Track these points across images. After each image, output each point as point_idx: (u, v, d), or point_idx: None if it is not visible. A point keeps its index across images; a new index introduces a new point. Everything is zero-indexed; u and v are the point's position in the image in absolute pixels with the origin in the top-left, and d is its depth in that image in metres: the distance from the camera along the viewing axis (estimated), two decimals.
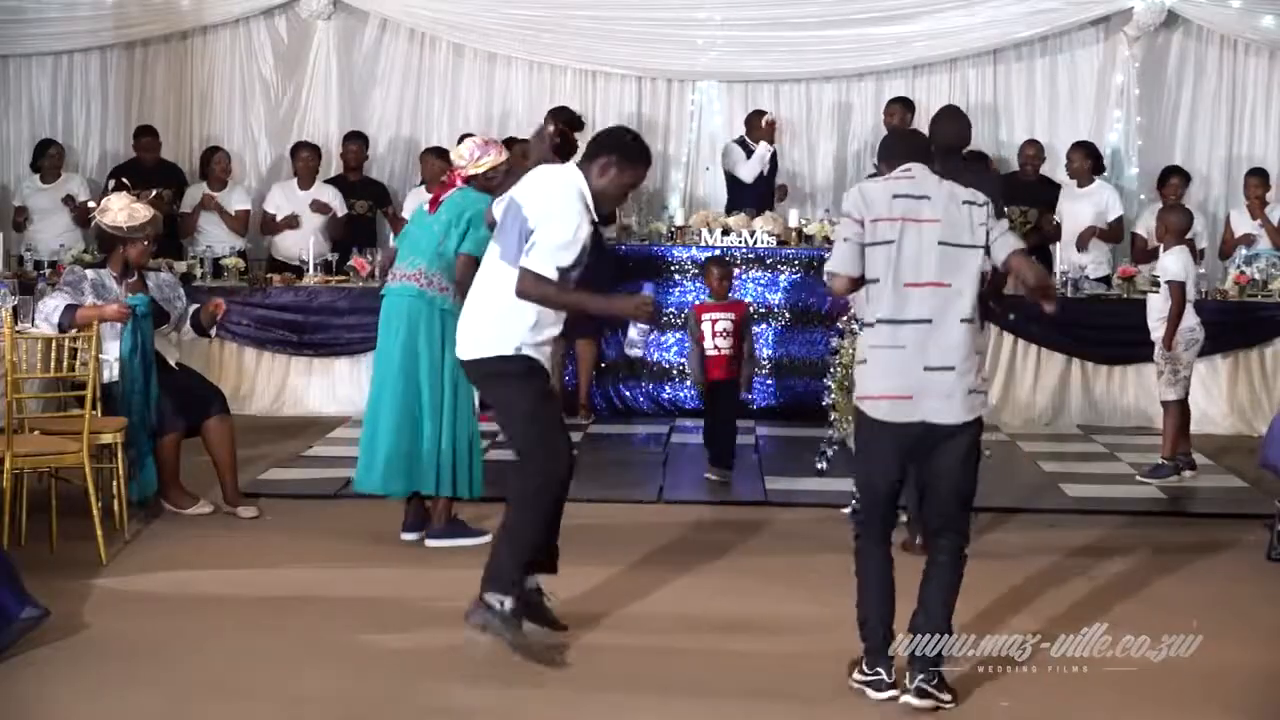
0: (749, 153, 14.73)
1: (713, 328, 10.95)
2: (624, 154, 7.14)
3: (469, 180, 9.04)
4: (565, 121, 12.56)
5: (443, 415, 9.01)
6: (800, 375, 13.28)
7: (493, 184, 8.98)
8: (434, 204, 9.18)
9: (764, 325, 13.29)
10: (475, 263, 8.68)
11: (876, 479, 6.69)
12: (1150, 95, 15.77)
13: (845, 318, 9.98)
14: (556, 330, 7.20)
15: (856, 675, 6.70)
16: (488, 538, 8.84)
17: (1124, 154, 15.70)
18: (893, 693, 6.56)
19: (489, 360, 7.10)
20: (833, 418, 10.18)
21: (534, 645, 7.06)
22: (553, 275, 6.88)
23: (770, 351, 13.31)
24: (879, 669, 6.60)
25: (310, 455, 11.84)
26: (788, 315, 13.37)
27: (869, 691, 6.61)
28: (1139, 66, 15.67)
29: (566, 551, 7.49)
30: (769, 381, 13.37)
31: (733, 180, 14.88)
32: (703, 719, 6.47)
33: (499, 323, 7.07)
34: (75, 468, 8.74)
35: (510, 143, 13.68)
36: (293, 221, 14.63)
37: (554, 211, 6.96)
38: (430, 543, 9.24)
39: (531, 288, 6.90)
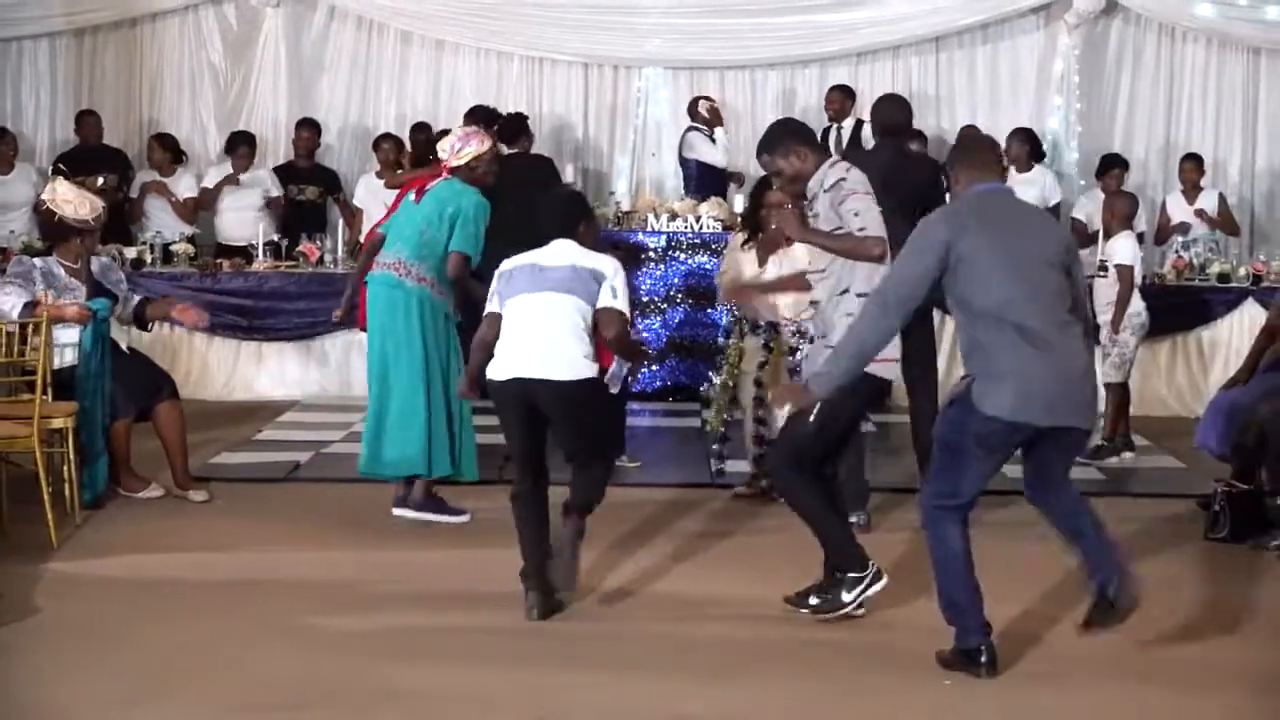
0: (710, 139, 14.76)
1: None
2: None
3: (454, 171, 9.04)
4: (485, 120, 12.50)
5: (425, 399, 9.08)
6: None
7: (477, 174, 9.04)
8: (419, 193, 9.18)
9: (713, 310, 13.28)
10: (467, 260, 8.78)
11: (845, 427, 7.47)
12: (1090, 82, 15.85)
13: (733, 315, 10.13)
14: None
15: (848, 596, 7.31)
16: (465, 518, 8.90)
17: (1064, 140, 15.77)
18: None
19: (590, 381, 7.40)
20: (710, 415, 10.12)
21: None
22: None
23: (719, 337, 13.32)
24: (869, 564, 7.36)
25: (260, 439, 11.80)
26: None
27: (872, 589, 7.32)
28: (1079, 54, 15.75)
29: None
30: None
31: (698, 166, 14.84)
32: (662, 698, 6.46)
33: (584, 350, 7.38)
34: (26, 452, 8.71)
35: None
36: (230, 180, 14.49)
37: (614, 263, 7.57)
38: (396, 511, 9.32)
39: (625, 328, 7.48)
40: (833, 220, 7.31)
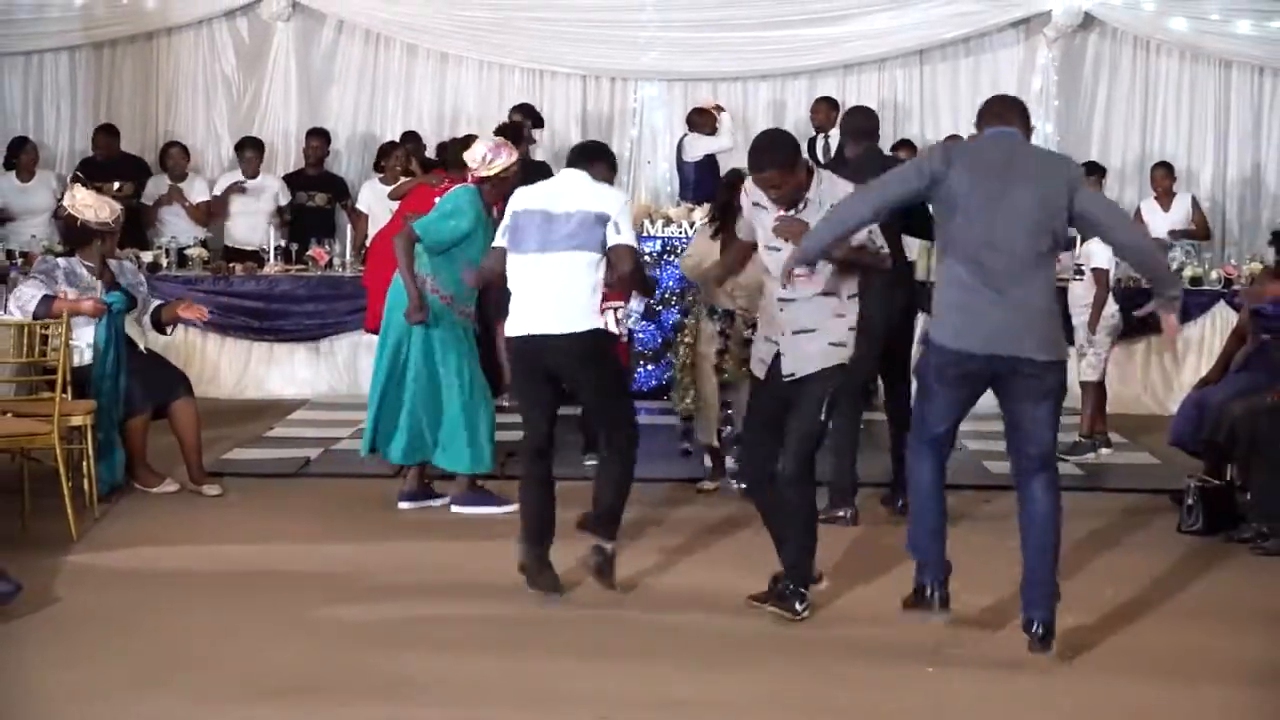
0: (708, 133, 14.78)
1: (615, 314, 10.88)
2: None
3: (482, 181, 9.02)
4: (531, 117, 12.66)
5: (397, 391, 9.21)
6: None
7: (506, 185, 9.03)
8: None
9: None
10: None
11: None
12: (1068, 94, 15.91)
13: (691, 297, 10.17)
14: None
15: (800, 606, 7.21)
16: (512, 507, 8.93)
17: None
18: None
19: (597, 332, 7.50)
20: (687, 400, 10.16)
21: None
22: None
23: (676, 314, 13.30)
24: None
25: (271, 436, 11.81)
26: None
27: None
28: (1057, 66, 15.82)
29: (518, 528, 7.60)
30: None
31: (695, 170, 14.82)
32: (655, 685, 6.45)
33: (591, 302, 7.49)
34: (46, 449, 8.71)
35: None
36: (237, 187, 14.60)
37: (619, 197, 7.66)
38: (454, 509, 9.39)
39: (635, 261, 7.55)
40: None
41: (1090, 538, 8.87)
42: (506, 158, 9.03)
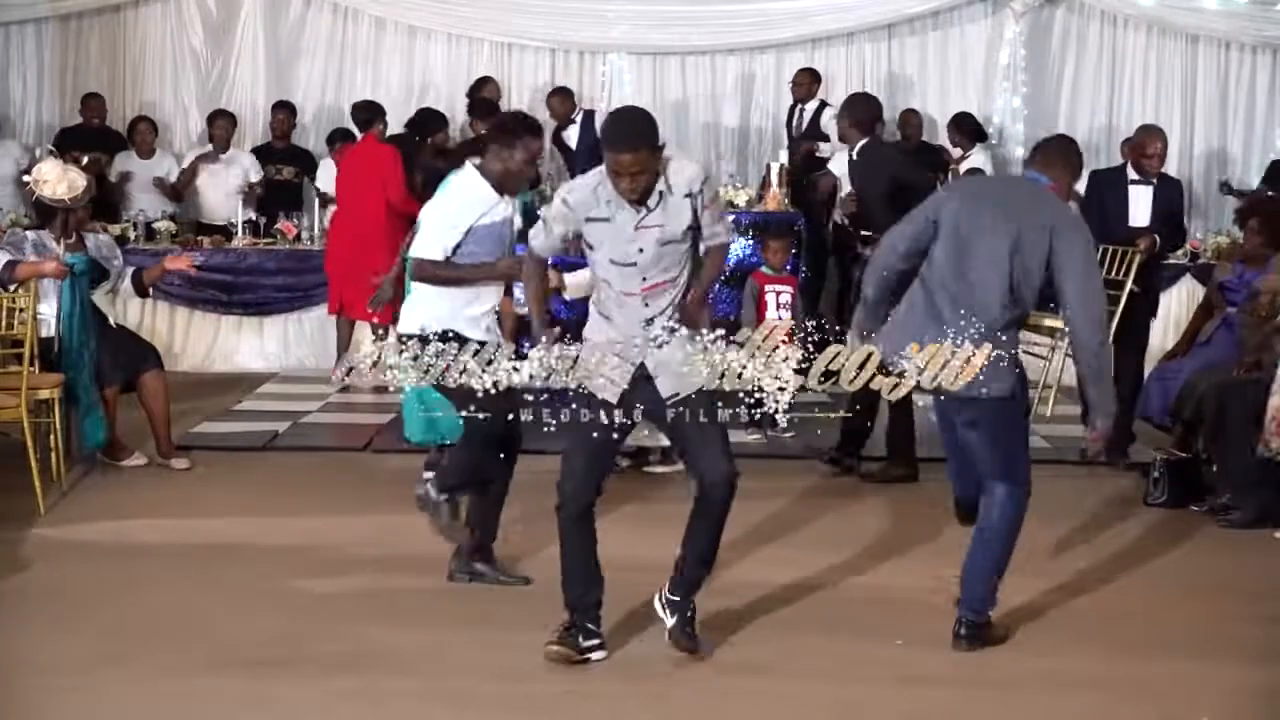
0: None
1: (776, 299, 10.76)
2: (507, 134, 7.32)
3: None
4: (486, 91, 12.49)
5: None
6: None
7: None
8: None
9: None
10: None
11: None
12: (1035, 68, 15.94)
13: None
14: (481, 307, 7.25)
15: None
16: None
17: (1010, 123, 15.84)
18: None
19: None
20: None
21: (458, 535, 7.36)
22: (437, 256, 7.14)
23: None
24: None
25: (240, 410, 11.76)
26: None
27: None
28: (1025, 40, 15.84)
29: None
30: None
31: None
32: (620, 656, 6.46)
33: (410, 305, 7.34)
34: (14, 422, 8.67)
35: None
36: (209, 158, 14.50)
37: (433, 204, 7.35)
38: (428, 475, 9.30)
39: (422, 272, 7.21)
40: (688, 220, 6.21)
41: (1056, 509, 8.87)
42: None
